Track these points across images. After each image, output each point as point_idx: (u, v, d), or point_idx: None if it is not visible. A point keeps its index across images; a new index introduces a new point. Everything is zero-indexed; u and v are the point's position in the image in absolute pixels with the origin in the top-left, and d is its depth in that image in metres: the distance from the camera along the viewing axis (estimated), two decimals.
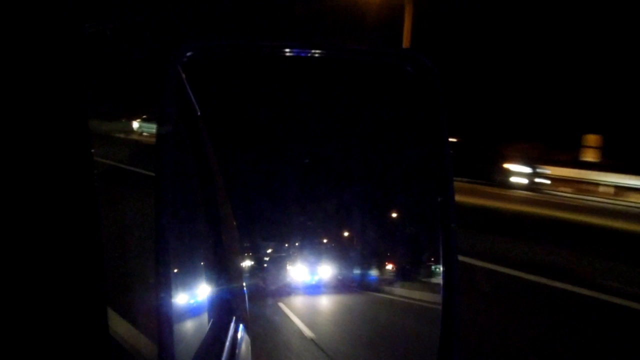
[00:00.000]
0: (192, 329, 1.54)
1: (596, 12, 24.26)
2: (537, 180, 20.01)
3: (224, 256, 1.92)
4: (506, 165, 20.08)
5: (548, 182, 20.29)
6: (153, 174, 1.07)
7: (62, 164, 0.85)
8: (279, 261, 4.04)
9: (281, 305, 4.75)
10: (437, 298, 1.47)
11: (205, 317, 1.70)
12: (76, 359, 0.85)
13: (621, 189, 19.72)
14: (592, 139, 22.51)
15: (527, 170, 20.04)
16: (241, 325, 1.88)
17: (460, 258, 1.50)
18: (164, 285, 1.03)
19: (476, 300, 6.01)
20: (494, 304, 6.37)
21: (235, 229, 2.18)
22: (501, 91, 25.73)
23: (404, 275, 4.22)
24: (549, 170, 20.60)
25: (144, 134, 23.77)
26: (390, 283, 4.43)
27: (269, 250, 3.97)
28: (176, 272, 1.23)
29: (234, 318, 1.84)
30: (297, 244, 4.11)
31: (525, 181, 19.81)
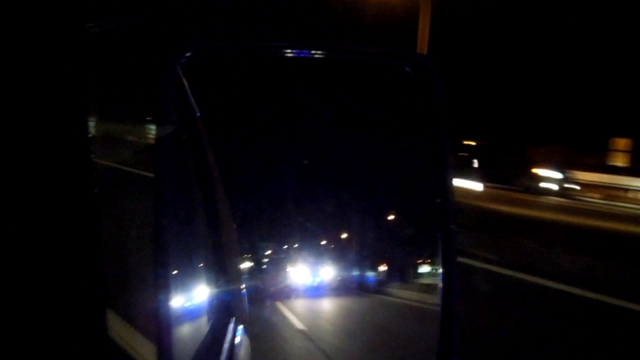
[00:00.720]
0: (191, 330, 1.53)
1: (628, 11, 23.19)
2: (567, 185, 19.03)
3: (223, 257, 1.92)
4: (535, 170, 19.19)
5: (577, 187, 19.28)
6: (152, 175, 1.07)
7: (61, 164, 0.85)
8: (278, 262, 4.04)
9: (281, 306, 4.75)
10: (436, 299, 1.47)
11: (204, 318, 1.70)
12: (75, 358, 0.85)
13: None
14: (621, 142, 21.66)
15: (557, 175, 19.05)
16: (240, 327, 1.88)
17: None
18: (163, 286, 1.03)
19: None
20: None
21: (235, 229, 2.18)
22: (525, 93, 24.77)
23: (402, 276, 4.22)
24: (578, 175, 19.58)
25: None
26: (389, 284, 4.43)
27: (268, 252, 3.97)
28: (175, 273, 1.23)
29: (233, 319, 1.84)
30: (296, 245, 4.11)
31: (554, 187, 18.85)
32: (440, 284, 1.48)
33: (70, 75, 0.87)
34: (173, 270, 1.17)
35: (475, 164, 19.53)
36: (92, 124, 0.97)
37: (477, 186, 17.17)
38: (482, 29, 25.30)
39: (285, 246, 4.03)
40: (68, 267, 0.84)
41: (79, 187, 0.86)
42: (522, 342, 5.30)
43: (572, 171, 19.52)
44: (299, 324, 4.76)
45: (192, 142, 1.76)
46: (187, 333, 1.48)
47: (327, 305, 5.33)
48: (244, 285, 2.17)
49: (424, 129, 1.54)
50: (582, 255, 8.83)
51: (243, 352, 1.82)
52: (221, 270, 1.89)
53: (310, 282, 4.34)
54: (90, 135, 0.90)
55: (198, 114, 1.80)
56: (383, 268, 4.44)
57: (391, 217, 4.06)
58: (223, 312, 1.84)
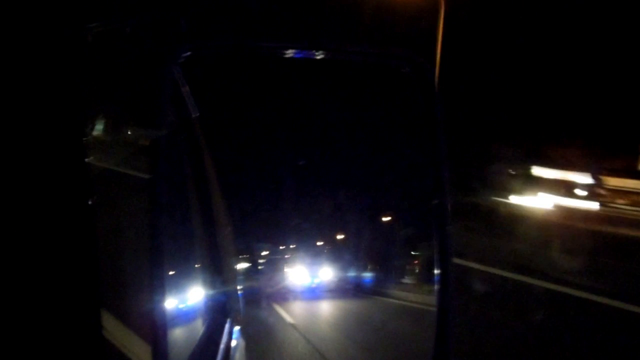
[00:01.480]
0: (186, 330, 1.53)
1: None
2: (599, 192, 17.01)
3: (219, 258, 1.91)
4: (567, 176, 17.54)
5: (606, 193, 17.35)
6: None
7: (56, 165, 0.84)
8: (274, 263, 4.05)
9: (277, 307, 4.75)
10: (433, 300, 1.47)
11: (200, 319, 1.69)
12: (70, 359, 0.85)
13: None
14: None
15: (588, 180, 17.22)
16: (236, 327, 1.87)
17: None
18: (159, 287, 1.02)
19: None
20: None
21: (231, 230, 2.18)
22: (546, 93, 22.93)
23: (398, 276, 4.23)
24: (609, 180, 17.53)
25: None
26: (385, 285, 4.44)
27: (264, 252, 3.97)
28: (171, 274, 1.23)
29: (229, 320, 1.84)
30: (292, 246, 4.12)
31: (583, 193, 17.05)
32: (436, 285, 1.47)
33: (66, 77, 0.87)
34: (169, 271, 1.16)
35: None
36: (87, 125, 0.96)
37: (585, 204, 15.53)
38: (506, 25, 24.24)
39: (282, 247, 4.04)
40: (63, 268, 0.84)
41: (74, 188, 0.86)
42: None
43: (602, 176, 17.65)
44: (294, 324, 4.76)
45: (189, 142, 1.76)
46: (183, 334, 1.47)
47: (323, 306, 5.34)
48: (239, 286, 2.16)
49: (422, 130, 1.53)
50: None
51: (238, 353, 1.81)
52: (217, 271, 1.89)
53: (308, 283, 4.35)
54: (85, 137, 0.90)
55: (195, 114, 1.80)
56: (379, 269, 4.46)
57: (387, 218, 4.08)
58: (219, 312, 1.84)
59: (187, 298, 1.58)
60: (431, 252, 1.51)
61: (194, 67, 1.38)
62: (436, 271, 1.48)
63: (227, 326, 1.78)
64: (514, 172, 18.05)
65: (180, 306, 1.48)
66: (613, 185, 17.34)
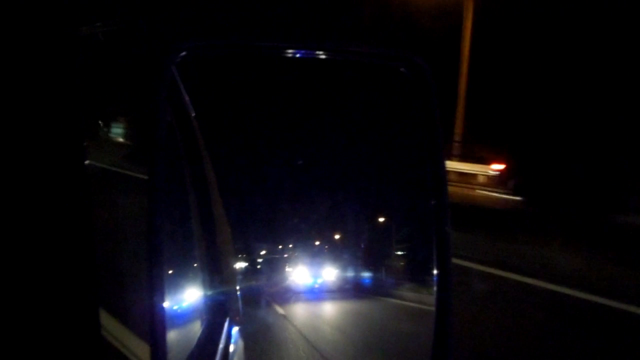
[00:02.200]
0: (185, 330, 1.53)
1: None
2: None
3: (217, 257, 1.91)
4: None
5: None
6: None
7: (55, 165, 0.85)
8: (272, 262, 4.04)
9: (276, 307, 4.75)
10: (432, 300, 1.48)
11: (198, 318, 1.70)
12: (68, 358, 0.85)
13: None
14: None
15: None
16: (235, 327, 1.87)
17: None
18: (157, 286, 1.02)
19: None
20: None
21: (229, 230, 2.18)
22: (585, 95, 21.29)
23: (398, 277, 4.23)
24: None
25: None
26: (385, 285, 4.44)
27: (263, 252, 3.97)
28: (169, 274, 1.23)
29: (228, 320, 1.84)
30: (290, 245, 4.11)
31: None
32: (435, 285, 1.48)
33: (64, 77, 0.87)
34: (167, 271, 1.16)
35: None
36: (85, 125, 0.96)
37: None
38: (535, 26, 23.46)
39: (280, 246, 4.03)
40: (62, 267, 0.84)
41: (72, 188, 0.86)
42: None
43: None
44: (293, 323, 4.76)
45: (186, 142, 1.76)
46: (181, 334, 1.48)
47: (323, 306, 5.33)
48: (238, 286, 2.17)
49: (419, 130, 1.54)
50: None
51: (237, 353, 1.81)
52: (215, 270, 1.89)
53: (310, 284, 4.33)
54: (83, 137, 0.90)
55: (193, 114, 1.80)
56: (378, 269, 4.45)
57: (386, 218, 4.07)
58: (217, 312, 1.84)
59: (185, 298, 1.58)
60: (417, 252, 1.51)
61: (190, 67, 1.38)
62: (435, 271, 1.49)
63: (226, 325, 1.79)
64: None
65: (179, 306, 1.48)
66: None
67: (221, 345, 1.63)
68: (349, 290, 4.50)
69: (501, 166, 19.23)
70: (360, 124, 3.66)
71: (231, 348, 1.73)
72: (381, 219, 4.16)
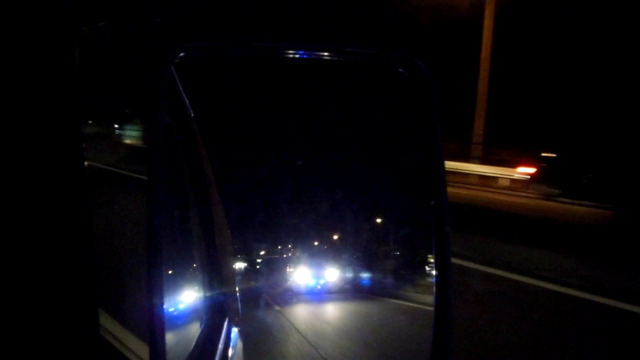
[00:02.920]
0: (184, 331, 1.53)
1: None
2: None
3: (216, 258, 1.91)
4: None
5: None
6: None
7: (54, 165, 0.84)
8: (272, 263, 4.03)
9: (275, 308, 4.75)
10: (432, 300, 1.48)
11: (197, 319, 1.69)
12: (67, 359, 0.85)
13: None
14: None
15: None
16: (234, 328, 1.87)
17: None
18: (156, 287, 1.02)
19: None
20: None
21: (228, 230, 2.18)
22: (607, 93, 21.32)
23: (397, 277, 4.23)
24: None
25: None
26: (385, 285, 4.43)
27: (262, 252, 3.96)
28: (168, 274, 1.23)
29: (227, 320, 1.84)
30: (290, 245, 4.11)
31: None
32: (434, 286, 1.48)
33: (64, 78, 0.87)
34: (166, 271, 1.16)
35: None
36: (85, 125, 0.96)
37: None
38: (554, 25, 22.88)
39: (280, 247, 4.03)
40: (61, 268, 0.84)
41: (72, 188, 0.86)
42: None
43: None
44: (293, 324, 4.75)
45: (185, 142, 1.76)
46: (181, 334, 1.47)
47: (324, 307, 5.33)
48: (237, 286, 2.16)
49: (419, 131, 1.54)
50: None
51: (237, 354, 1.81)
52: (214, 271, 1.89)
53: (312, 285, 4.32)
54: (83, 137, 0.90)
55: (191, 115, 1.80)
56: (378, 269, 4.44)
57: (386, 219, 4.07)
58: (216, 313, 1.84)
59: (184, 298, 1.58)
60: (416, 252, 1.51)
61: (189, 68, 1.38)
62: (434, 272, 1.49)
63: (225, 326, 1.78)
64: None
65: (178, 306, 1.48)
66: None
67: (220, 346, 1.63)
68: (349, 291, 4.50)
69: (531, 169, 17.59)
70: (360, 124, 3.66)
71: (230, 348, 1.73)
72: (380, 220, 4.15)
